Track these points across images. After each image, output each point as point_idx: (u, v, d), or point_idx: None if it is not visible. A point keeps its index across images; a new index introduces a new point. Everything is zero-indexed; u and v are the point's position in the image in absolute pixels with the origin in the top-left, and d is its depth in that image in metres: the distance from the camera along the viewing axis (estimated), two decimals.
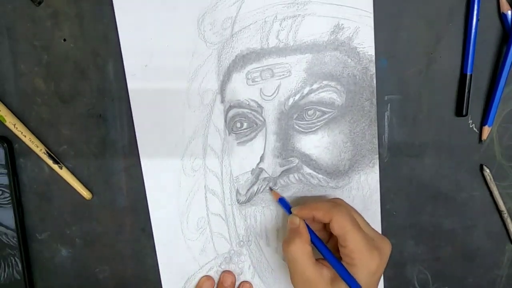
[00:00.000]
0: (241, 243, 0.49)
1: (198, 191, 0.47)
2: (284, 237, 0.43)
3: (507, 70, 0.45)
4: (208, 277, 0.49)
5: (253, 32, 0.44)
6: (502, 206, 0.48)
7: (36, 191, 0.47)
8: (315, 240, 0.42)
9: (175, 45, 0.44)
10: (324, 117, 0.46)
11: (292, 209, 0.44)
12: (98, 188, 0.47)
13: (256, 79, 0.45)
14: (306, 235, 0.42)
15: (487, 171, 0.47)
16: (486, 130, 0.46)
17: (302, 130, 0.46)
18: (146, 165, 0.46)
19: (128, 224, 0.48)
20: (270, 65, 0.44)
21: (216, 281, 0.49)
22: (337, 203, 0.42)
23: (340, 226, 0.40)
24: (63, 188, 0.47)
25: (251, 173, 0.47)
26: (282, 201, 0.46)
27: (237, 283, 0.49)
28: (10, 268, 0.47)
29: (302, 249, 0.41)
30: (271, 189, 0.47)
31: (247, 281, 0.49)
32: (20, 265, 0.47)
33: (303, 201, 0.47)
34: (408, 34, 0.45)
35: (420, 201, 0.48)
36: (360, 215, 0.43)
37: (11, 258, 0.47)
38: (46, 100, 0.45)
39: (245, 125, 0.46)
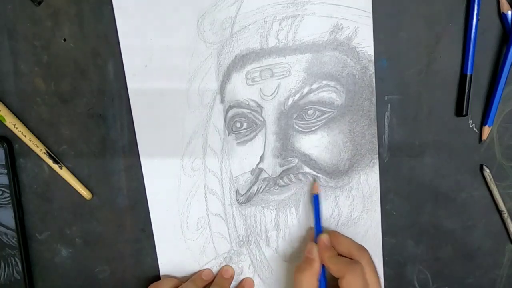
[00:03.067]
0: (241, 243, 0.49)
1: (198, 191, 0.47)
2: (297, 264, 0.44)
3: (507, 70, 0.45)
4: (208, 269, 0.49)
5: (253, 32, 0.44)
6: (502, 206, 0.48)
7: (36, 191, 0.47)
8: (321, 281, 0.43)
9: (175, 45, 0.44)
10: (323, 116, 0.46)
11: (320, 235, 0.44)
12: (98, 188, 0.47)
13: (255, 79, 0.45)
14: (317, 269, 0.43)
15: (487, 171, 0.47)
16: (486, 130, 0.46)
17: (302, 130, 0.46)
18: (146, 165, 0.46)
19: (128, 224, 0.48)
20: (270, 65, 0.44)
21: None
22: (353, 262, 0.42)
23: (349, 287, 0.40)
24: (63, 188, 0.47)
25: (251, 173, 0.47)
26: (315, 199, 0.46)
27: (237, 283, 0.49)
28: (10, 268, 0.47)
29: (309, 281, 0.42)
30: (314, 180, 0.47)
31: (249, 277, 0.49)
32: (20, 265, 0.47)
33: (332, 232, 0.46)
34: (408, 34, 0.45)
35: (420, 201, 0.48)
36: (375, 275, 0.42)
37: (11, 258, 0.47)
38: (46, 100, 0.45)
39: (244, 125, 0.46)
